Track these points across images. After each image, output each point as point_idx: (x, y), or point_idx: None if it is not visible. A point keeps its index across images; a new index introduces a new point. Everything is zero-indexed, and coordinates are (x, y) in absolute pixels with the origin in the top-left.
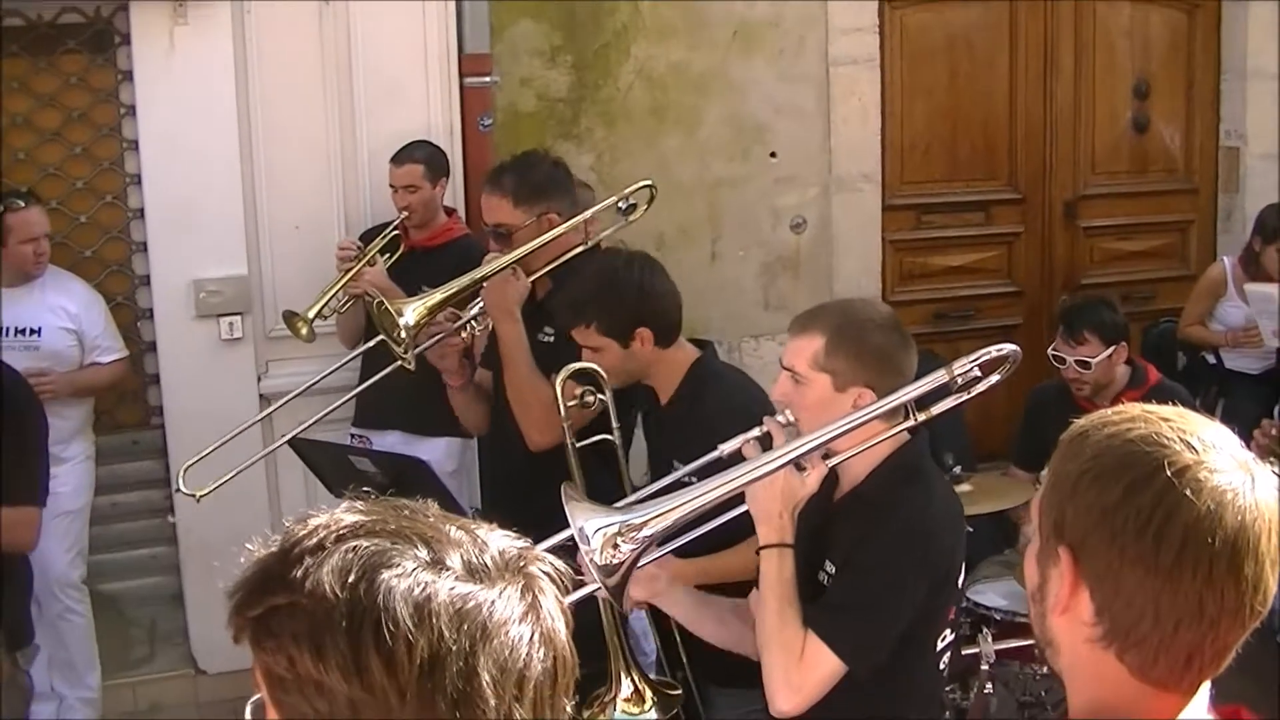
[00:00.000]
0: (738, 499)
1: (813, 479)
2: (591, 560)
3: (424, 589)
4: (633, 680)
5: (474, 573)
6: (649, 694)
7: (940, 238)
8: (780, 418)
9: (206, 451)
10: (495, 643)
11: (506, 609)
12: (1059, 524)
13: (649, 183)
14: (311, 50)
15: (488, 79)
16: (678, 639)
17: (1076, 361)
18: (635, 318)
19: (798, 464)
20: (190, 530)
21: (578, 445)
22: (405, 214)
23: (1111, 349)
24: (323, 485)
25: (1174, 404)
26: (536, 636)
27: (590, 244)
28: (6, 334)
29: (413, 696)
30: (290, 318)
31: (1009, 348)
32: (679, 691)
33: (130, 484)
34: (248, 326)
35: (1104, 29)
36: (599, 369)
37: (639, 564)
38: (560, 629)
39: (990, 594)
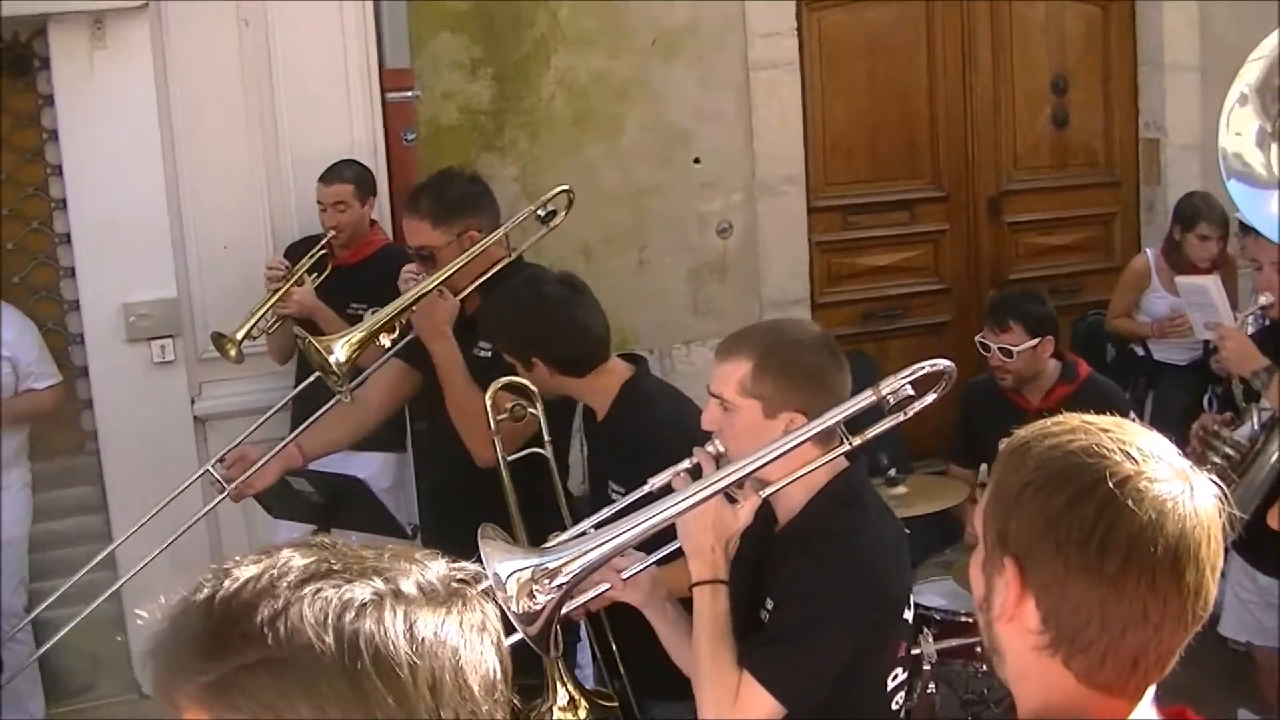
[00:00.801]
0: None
1: (745, 511)
2: (509, 608)
3: (407, 618)
4: (568, 689)
5: (430, 595)
6: (583, 703)
7: (866, 238)
8: (710, 447)
9: (144, 520)
10: (473, 656)
11: (470, 624)
12: (1003, 534)
13: (566, 188)
14: (232, 70)
15: (409, 93)
16: (615, 650)
17: (1000, 349)
18: (526, 347)
19: (730, 496)
20: (129, 555)
21: (508, 459)
22: (333, 233)
23: (1037, 340)
24: (261, 508)
25: (1106, 400)
26: (493, 646)
27: (515, 255)
28: None
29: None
30: (219, 339)
31: (943, 363)
32: (614, 702)
33: (67, 510)
34: (179, 349)
35: (1020, 25)
36: (528, 383)
37: (568, 605)
38: (502, 639)
39: (930, 594)
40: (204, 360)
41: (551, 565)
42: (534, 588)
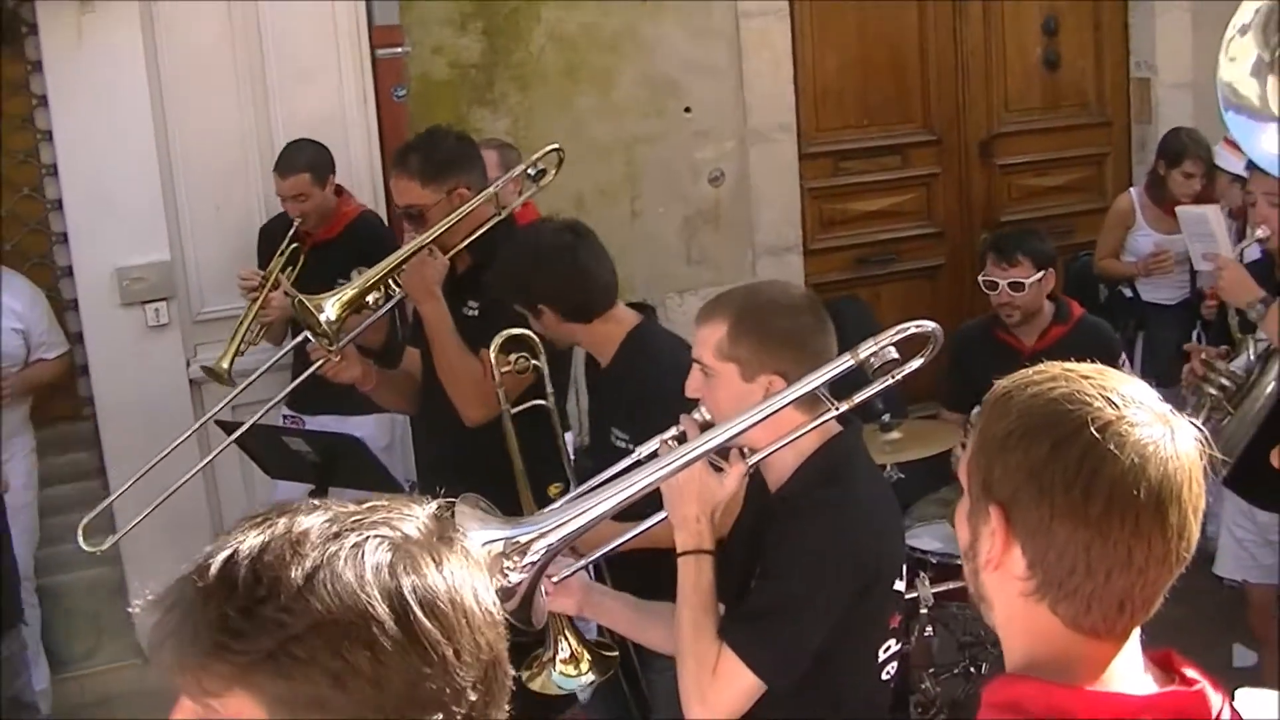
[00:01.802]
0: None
1: (730, 479)
2: None
3: (433, 560)
4: (569, 643)
5: (435, 536)
6: (585, 656)
7: (858, 183)
8: (697, 414)
9: (141, 472)
10: (481, 584)
11: (471, 554)
12: (987, 483)
13: (556, 146)
14: (221, 30)
15: (399, 50)
16: None
17: (1009, 284)
18: (533, 295)
19: (715, 464)
20: (129, 520)
21: (513, 411)
22: (301, 218)
23: (1042, 273)
24: (258, 468)
25: (1099, 340)
26: (484, 574)
27: (505, 214)
28: None
29: (468, 654)
30: (209, 371)
31: (929, 325)
32: (615, 653)
33: (65, 476)
34: (174, 311)
35: None
36: (531, 335)
37: (548, 577)
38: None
39: (926, 537)
40: (199, 322)
41: (525, 538)
42: (505, 563)
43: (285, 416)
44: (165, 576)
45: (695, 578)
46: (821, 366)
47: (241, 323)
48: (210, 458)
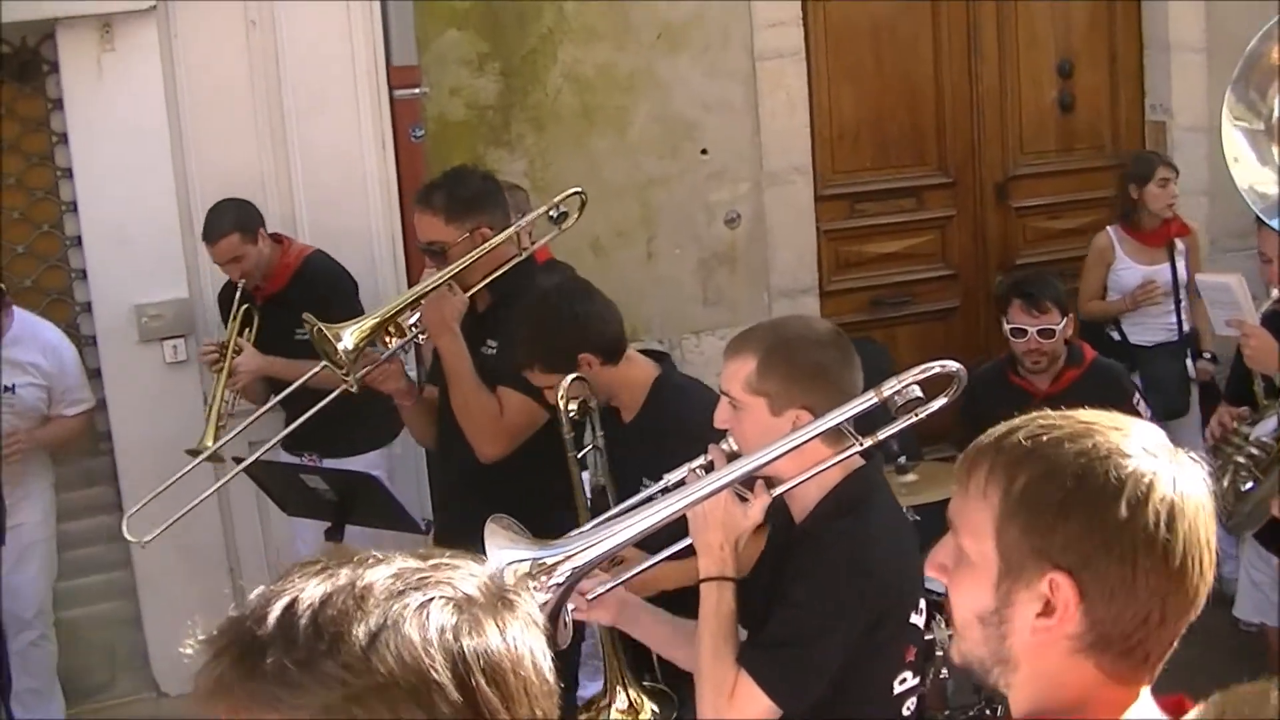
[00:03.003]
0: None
1: (754, 509)
2: None
3: (496, 625)
4: (628, 693)
5: (495, 598)
6: (645, 704)
7: (874, 225)
8: (725, 444)
9: (149, 498)
10: (539, 650)
11: (530, 619)
12: (1044, 549)
13: (579, 190)
14: (240, 69)
15: (416, 90)
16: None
17: (1039, 331)
18: (574, 347)
19: (740, 494)
20: (145, 554)
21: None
22: (243, 280)
23: (1065, 319)
24: (274, 504)
25: (1113, 382)
26: (543, 639)
27: (525, 254)
28: None
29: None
30: (194, 453)
31: (953, 365)
32: (675, 697)
33: (83, 510)
34: (191, 348)
35: (1025, 9)
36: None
37: (580, 593)
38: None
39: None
40: None
41: (551, 560)
42: (531, 583)
43: (303, 456)
44: (180, 612)
45: (716, 604)
46: (845, 400)
47: (214, 397)
48: (221, 483)
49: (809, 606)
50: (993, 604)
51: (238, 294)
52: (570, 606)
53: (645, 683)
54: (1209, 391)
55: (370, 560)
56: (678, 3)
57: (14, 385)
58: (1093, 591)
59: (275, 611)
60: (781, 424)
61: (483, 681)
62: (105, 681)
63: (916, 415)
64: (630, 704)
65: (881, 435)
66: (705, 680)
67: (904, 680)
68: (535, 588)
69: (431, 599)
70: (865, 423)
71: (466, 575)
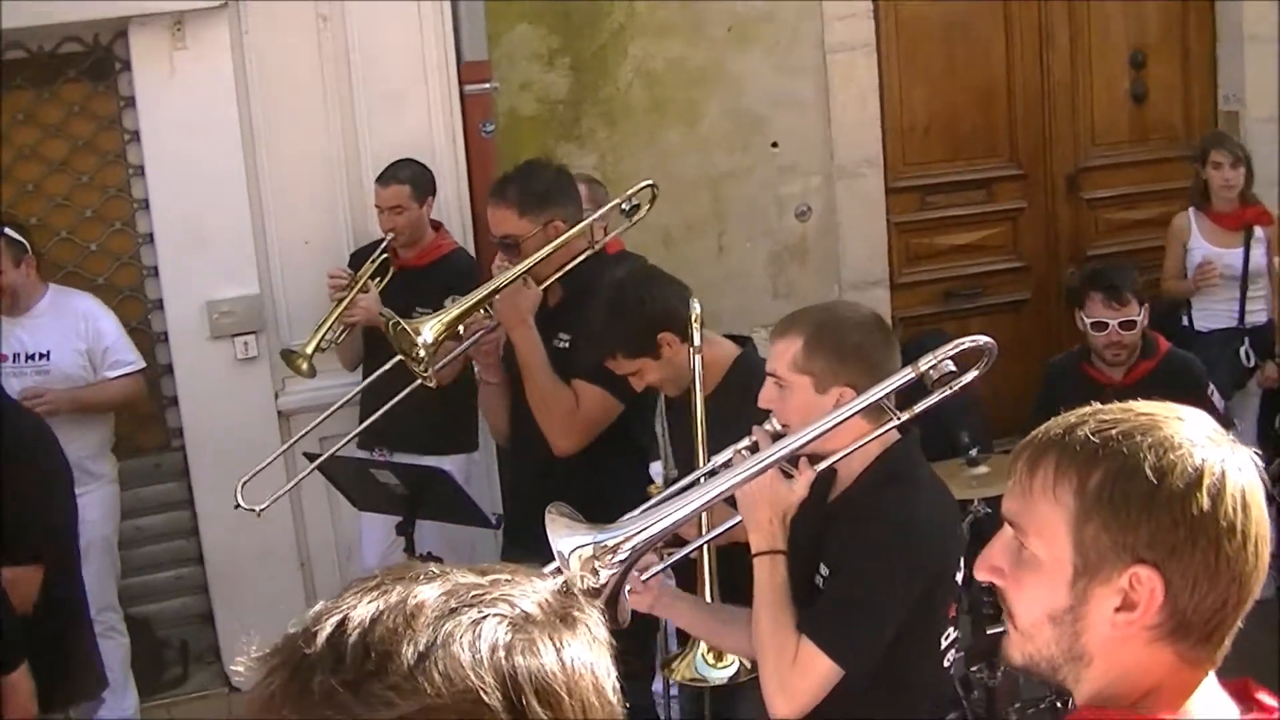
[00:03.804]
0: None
1: (800, 485)
2: (573, 584)
3: (553, 645)
4: None
5: (556, 615)
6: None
7: (945, 217)
8: (769, 425)
9: (262, 466)
10: (602, 669)
11: (594, 637)
12: (1127, 545)
13: (650, 183)
14: (311, 66)
15: (487, 85)
16: None
17: (1120, 323)
18: (652, 329)
19: (785, 471)
20: (216, 549)
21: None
22: (392, 232)
23: (1143, 310)
24: (345, 500)
25: (1186, 373)
26: (609, 655)
27: (597, 247)
28: (16, 360)
29: None
30: (289, 355)
31: (983, 340)
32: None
33: (154, 507)
34: (262, 345)
35: (1099, 10)
36: None
37: (634, 576)
38: (611, 646)
39: None
40: None
41: (612, 542)
42: (596, 564)
43: (374, 450)
44: (251, 607)
45: (771, 576)
46: (885, 378)
47: (327, 318)
48: (295, 482)
49: (866, 571)
50: (1068, 602)
51: (382, 246)
52: (626, 588)
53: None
54: (1274, 401)
55: (425, 576)
56: None
57: (49, 351)
58: (1177, 582)
59: (325, 630)
60: (825, 401)
61: (535, 703)
62: (178, 676)
63: (950, 388)
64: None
65: (918, 408)
66: (767, 649)
67: (948, 635)
68: (600, 566)
69: (485, 617)
70: (902, 399)
71: (528, 592)
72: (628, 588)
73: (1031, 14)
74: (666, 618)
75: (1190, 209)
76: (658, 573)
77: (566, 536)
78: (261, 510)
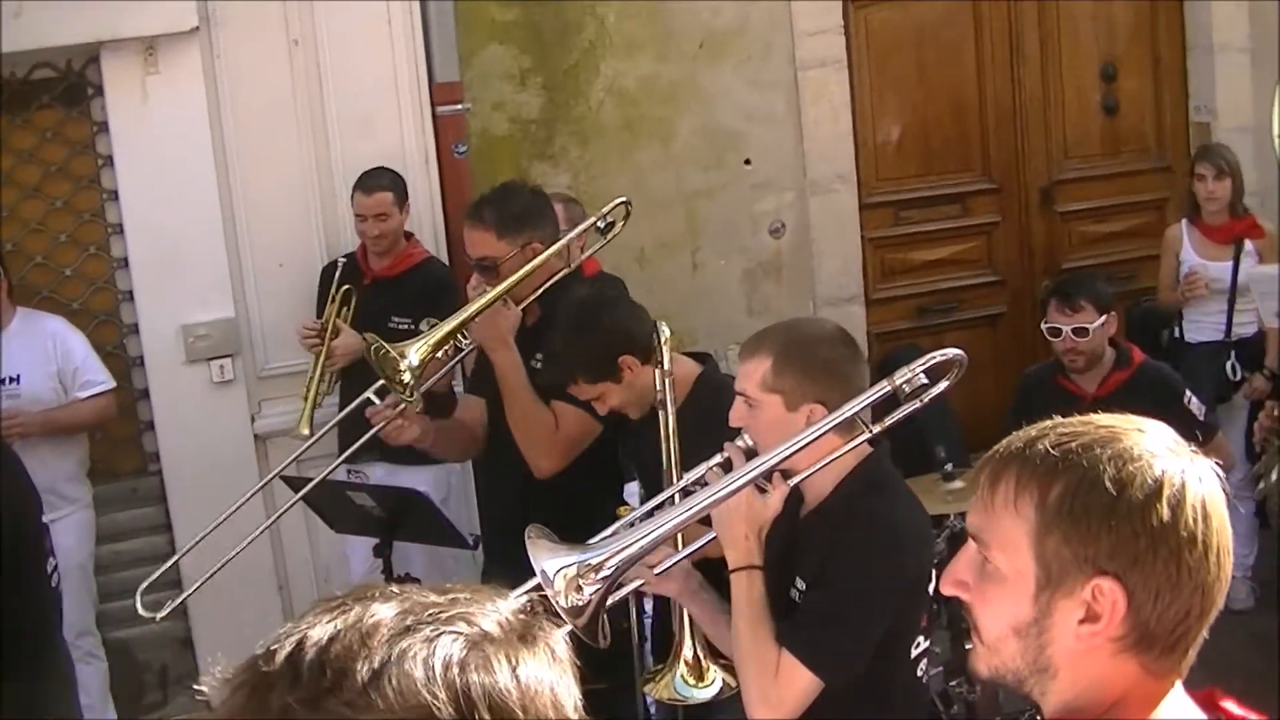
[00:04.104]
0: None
1: (775, 499)
2: (557, 603)
3: (509, 662)
4: (695, 649)
5: (515, 634)
6: (713, 669)
7: (919, 232)
8: (740, 442)
9: (236, 505)
10: (563, 688)
11: (554, 656)
12: (1088, 557)
13: (625, 200)
14: (283, 89)
15: (459, 106)
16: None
17: (1073, 330)
18: (613, 352)
19: (759, 486)
20: (196, 574)
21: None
22: (376, 240)
23: (1104, 317)
24: (322, 522)
25: (1162, 384)
26: (573, 675)
27: (573, 267)
28: None
29: None
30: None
31: (953, 352)
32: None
33: (132, 531)
34: (238, 368)
35: (1068, 13)
36: None
37: (649, 567)
38: (575, 664)
39: None
40: (263, 378)
41: (594, 560)
42: (580, 582)
43: (349, 471)
44: (231, 630)
45: (748, 591)
46: (855, 394)
47: (311, 379)
48: (275, 518)
49: (849, 582)
50: (1032, 615)
51: (337, 274)
52: (638, 581)
53: (720, 660)
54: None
55: (384, 596)
56: (719, 12)
57: (19, 375)
58: (1140, 593)
59: (285, 649)
60: (796, 419)
61: (488, 719)
62: (157, 700)
63: (921, 400)
64: (697, 658)
65: (889, 421)
66: (748, 662)
67: (918, 645)
68: (584, 583)
69: (440, 634)
70: (873, 412)
71: (487, 611)
72: (639, 581)
73: (1002, 26)
74: (685, 605)
75: (1184, 220)
76: (680, 560)
77: (549, 557)
78: (160, 617)
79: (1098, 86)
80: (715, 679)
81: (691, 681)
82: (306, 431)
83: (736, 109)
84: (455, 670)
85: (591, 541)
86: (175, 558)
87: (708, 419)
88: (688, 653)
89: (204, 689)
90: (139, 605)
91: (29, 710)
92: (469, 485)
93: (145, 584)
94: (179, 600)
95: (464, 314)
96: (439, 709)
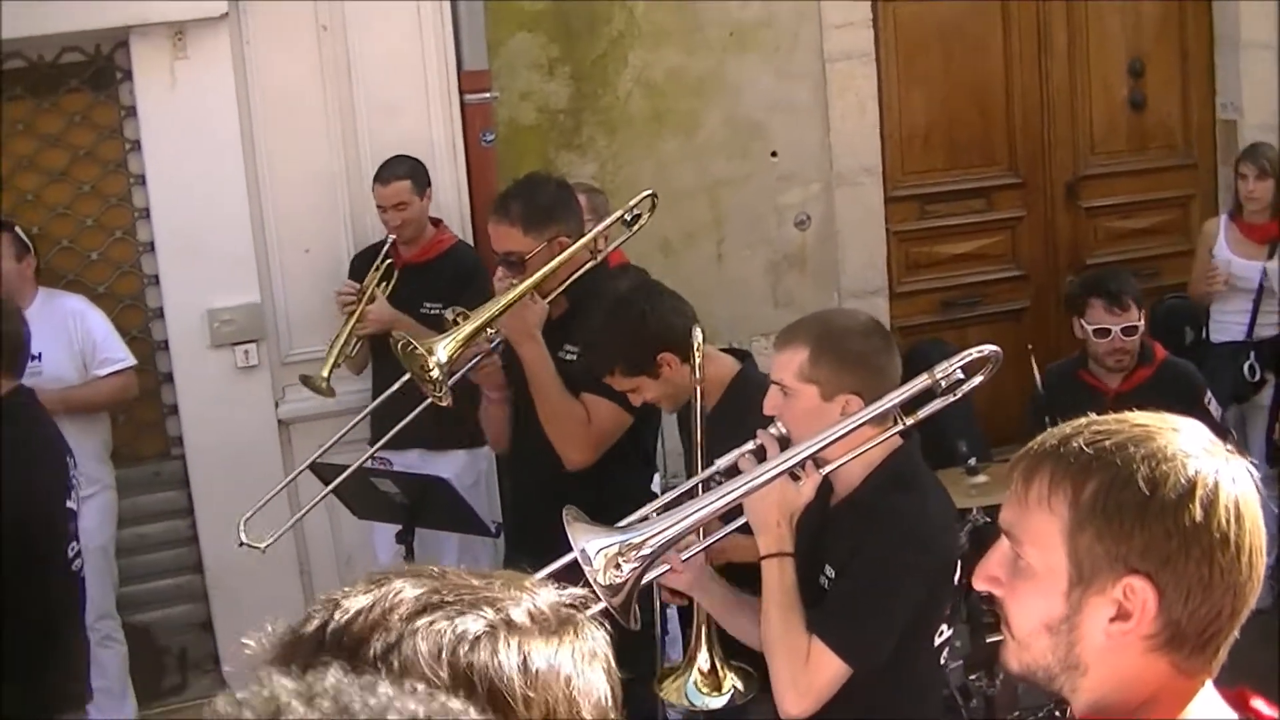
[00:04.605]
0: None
1: (808, 488)
2: (596, 580)
3: (520, 649)
4: (712, 656)
5: (543, 624)
6: (729, 675)
7: (944, 226)
8: (773, 430)
9: (264, 501)
10: (585, 684)
11: (582, 651)
12: (1120, 555)
13: (651, 192)
14: (311, 75)
15: (487, 95)
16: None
17: (1123, 329)
18: (653, 347)
19: (792, 474)
20: (216, 557)
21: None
22: (398, 229)
23: (1142, 315)
24: (346, 509)
25: (1184, 381)
26: (604, 672)
27: (599, 259)
28: None
29: None
30: (307, 380)
31: (989, 349)
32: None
33: (153, 515)
34: (263, 353)
35: (1096, 9)
36: None
37: (674, 556)
38: (612, 664)
39: None
40: (287, 364)
41: (636, 540)
42: (620, 560)
43: (374, 458)
44: (251, 614)
45: (780, 578)
46: (889, 384)
47: (339, 336)
48: (316, 501)
49: (878, 572)
50: (1063, 612)
51: (384, 249)
52: (664, 568)
53: (733, 661)
54: None
55: (420, 576)
56: (747, 4)
57: (39, 354)
58: (1171, 592)
59: (318, 618)
60: (831, 409)
61: (486, 703)
62: (177, 684)
63: (955, 395)
64: (713, 667)
65: (922, 414)
66: (778, 649)
67: (942, 633)
68: (623, 561)
69: (461, 615)
70: (904, 405)
71: (521, 599)
72: (664, 568)
73: (1030, 23)
74: (697, 597)
75: (1224, 215)
76: (699, 551)
77: (589, 537)
78: (266, 547)
79: (1125, 82)
80: (729, 691)
81: (705, 690)
82: (326, 373)
83: (763, 101)
84: (462, 650)
85: (624, 523)
86: (284, 484)
87: (743, 417)
88: (703, 662)
89: (250, 643)
90: (242, 534)
91: (29, 710)
92: (491, 474)
93: (250, 514)
94: (287, 526)
95: (492, 309)
96: (438, 686)
